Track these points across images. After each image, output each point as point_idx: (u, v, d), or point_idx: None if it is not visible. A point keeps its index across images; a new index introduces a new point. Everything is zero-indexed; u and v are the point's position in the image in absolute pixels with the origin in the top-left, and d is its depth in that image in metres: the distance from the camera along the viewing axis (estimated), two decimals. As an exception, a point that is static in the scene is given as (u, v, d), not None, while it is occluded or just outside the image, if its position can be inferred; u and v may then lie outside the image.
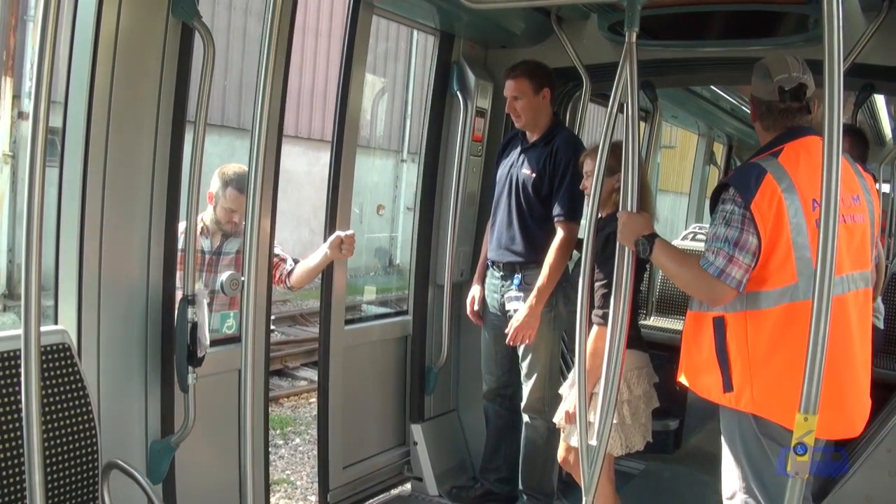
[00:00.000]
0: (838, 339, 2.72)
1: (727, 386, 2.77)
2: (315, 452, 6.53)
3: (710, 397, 2.86)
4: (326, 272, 4.03)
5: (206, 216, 3.97)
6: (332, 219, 4.01)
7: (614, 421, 3.09)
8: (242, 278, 3.37)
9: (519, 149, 4.21)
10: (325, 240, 3.91)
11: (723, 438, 2.91)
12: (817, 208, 2.69)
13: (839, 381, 2.72)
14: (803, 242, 2.65)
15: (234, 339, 3.50)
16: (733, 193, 2.71)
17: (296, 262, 3.95)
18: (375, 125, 16.35)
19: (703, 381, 2.87)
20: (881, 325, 4.99)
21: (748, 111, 3.46)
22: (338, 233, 3.83)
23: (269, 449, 6.56)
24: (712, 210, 2.86)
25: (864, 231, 2.87)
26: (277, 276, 3.92)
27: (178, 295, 3.13)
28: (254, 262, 3.41)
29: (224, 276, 3.29)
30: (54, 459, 2.60)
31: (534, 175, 4.07)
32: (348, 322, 4.27)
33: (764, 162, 2.74)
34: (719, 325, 2.79)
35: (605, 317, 3.24)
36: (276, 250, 3.92)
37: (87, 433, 2.70)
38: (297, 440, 6.98)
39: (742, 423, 2.79)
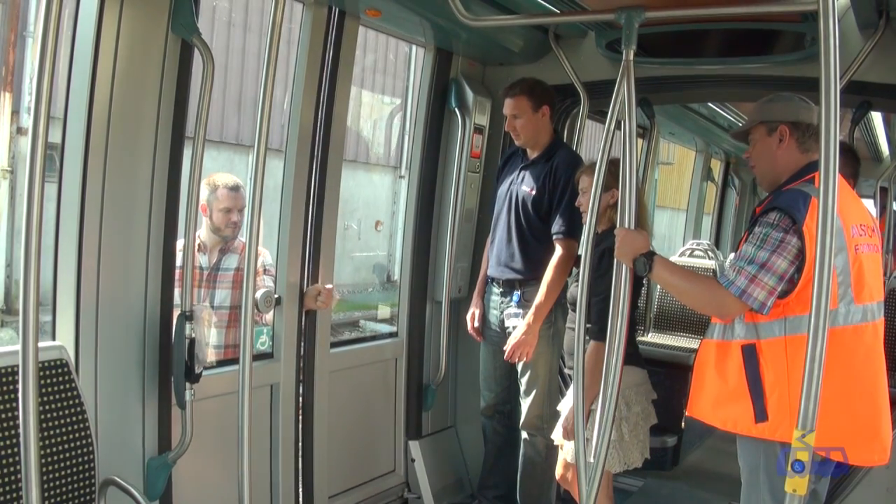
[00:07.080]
0: (875, 368, 2.72)
1: (760, 416, 2.68)
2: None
3: (735, 429, 2.77)
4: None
5: (202, 233, 3.95)
6: (317, 239, 3.87)
7: (612, 438, 3.07)
8: (276, 295, 3.47)
9: (519, 166, 4.21)
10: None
11: (742, 470, 2.84)
12: (856, 234, 2.71)
13: (876, 410, 2.70)
14: (844, 268, 2.65)
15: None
16: (777, 217, 2.67)
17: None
18: (374, 141, 16.36)
19: (728, 412, 2.77)
20: None
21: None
22: (317, 285, 3.78)
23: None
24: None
25: (879, 260, 2.87)
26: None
27: (177, 311, 3.13)
28: (283, 278, 3.64)
29: (259, 293, 3.34)
30: (52, 476, 2.59)
31: (533, 192, 4.07)
32: (343, 343, 4.20)
33: (804, 188, 2.72)
34: (750, 353, 2.72)
35: (601, 332, 3.23)
36: (269, 281, 3.87)
37: (85, 449, 2.69)
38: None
39: (768, 453, 2.71)
